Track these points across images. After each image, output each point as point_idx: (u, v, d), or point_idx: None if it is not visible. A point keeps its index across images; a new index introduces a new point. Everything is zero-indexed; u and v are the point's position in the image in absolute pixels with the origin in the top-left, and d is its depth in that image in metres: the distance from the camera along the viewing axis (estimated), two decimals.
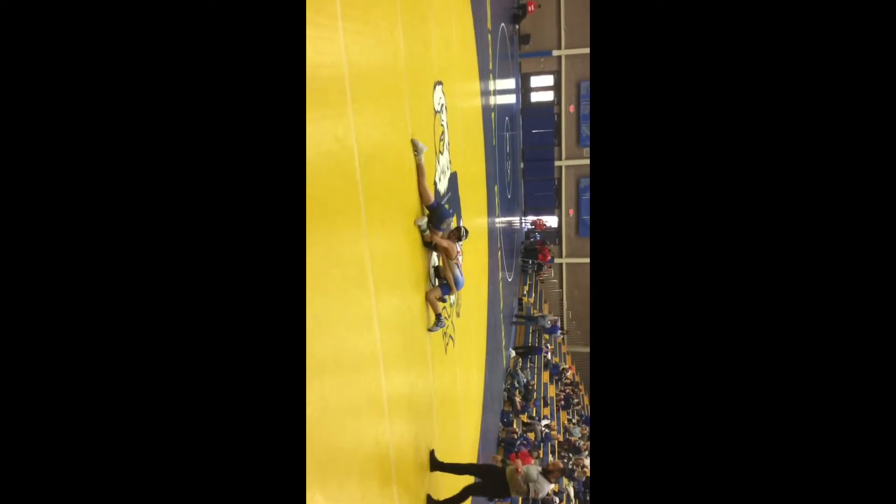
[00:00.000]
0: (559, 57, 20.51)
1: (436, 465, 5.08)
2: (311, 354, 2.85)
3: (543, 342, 15.43)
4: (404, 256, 4.61)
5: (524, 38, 19.91)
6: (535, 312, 16.33)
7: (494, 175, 11.45)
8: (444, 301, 5.52)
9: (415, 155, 5.15)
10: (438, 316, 5.32)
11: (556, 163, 20.99)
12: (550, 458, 12.24)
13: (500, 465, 5.66)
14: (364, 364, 3.61)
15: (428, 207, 5.10)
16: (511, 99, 16.97)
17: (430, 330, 5.26)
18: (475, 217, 8.85)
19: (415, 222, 4.88)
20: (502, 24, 14.40)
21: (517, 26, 18.69)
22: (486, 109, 10.54)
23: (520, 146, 19.62)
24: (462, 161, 7.56)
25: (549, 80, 21.20)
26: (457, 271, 5.18)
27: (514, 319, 14.13)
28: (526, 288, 16.99)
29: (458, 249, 5.14)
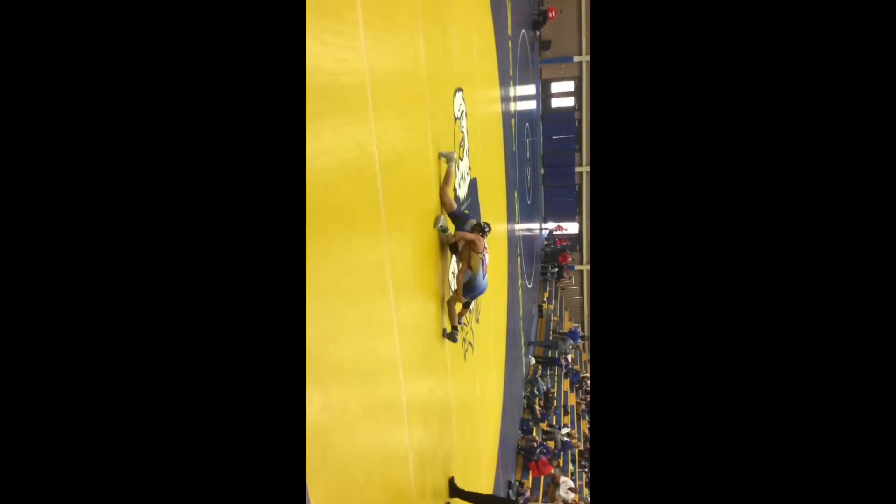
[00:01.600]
0: (580, 63, 20.43)
1: (455, 492, 5.00)
2: (331, 360, 2.86)
3: (563, 355, 15.28)
4: (424, 262, 4.61)
5: (545, 44, 19.89)
6: (556, 321, 16.17)
7: (514, 181, 11.42)
8: (467, 308, 5.35)
9: (447, 163, 5.13)
10: (455, 328, 5.14)
11: (577, 168, 20.87)
12: (570, 466, 12.07)
13: None
14: (384, 370, 3.61)
15: (450, 215, 5.08)
16: (532, 105, 16.94)
17: (445, 337, 5.16)
18: (495, 223, 8.82)
19: (434, 225, 4.87)
20: (522, 30, 14.41)
21: (538, 32, 18.68)
22: (507, 115, 10.53)
23: (540, 152, 19.53)
24: (482, 167, 7.56)
25: (569, 85, 21.12)
26: (480, 271, 4.95)
27: (534, 354, 13.54)
28: (546, 294, 16.85)
29: (485, 245, 5.02)
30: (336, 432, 2.86)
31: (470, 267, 4.96)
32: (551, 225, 20.70)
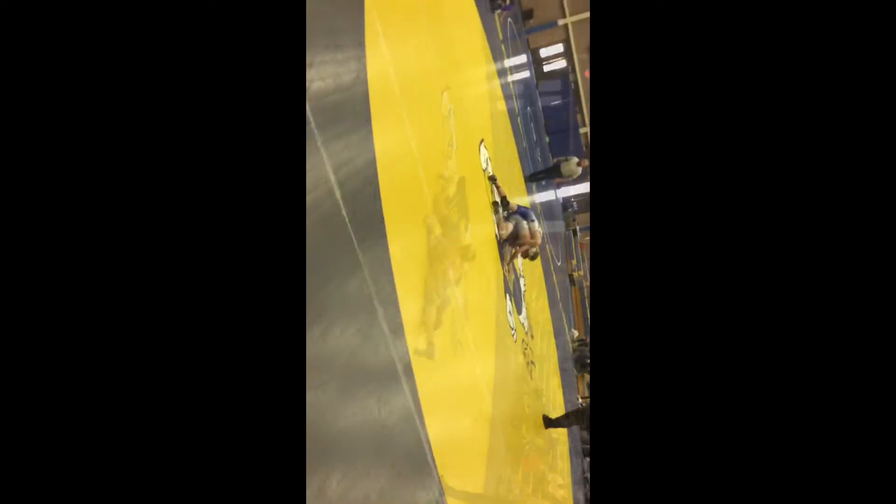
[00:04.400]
0: (565, 25, 20.40)
1: (548, 422, 6.93)
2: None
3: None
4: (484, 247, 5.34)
5: (526, 14, 19.84)
6: (588, 285, 16.58)
7: (528, 166, 11.74)
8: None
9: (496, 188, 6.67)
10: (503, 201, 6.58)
11: (582, 130, 20.87)
12: None
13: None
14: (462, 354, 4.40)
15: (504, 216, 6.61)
16: (525, 74, 16.75)
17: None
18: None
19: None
20: (509, 19, 14.42)
21: (518, 4, 18.57)
22: (512, 113, 10.82)
23: (542, 121, 19.38)
24: (497, 163, 7.94)
25: (559, 48, 21.13)
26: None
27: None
28: (574, 262, 17.48)
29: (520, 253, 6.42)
30: (435, 407, 3.44)
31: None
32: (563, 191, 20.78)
